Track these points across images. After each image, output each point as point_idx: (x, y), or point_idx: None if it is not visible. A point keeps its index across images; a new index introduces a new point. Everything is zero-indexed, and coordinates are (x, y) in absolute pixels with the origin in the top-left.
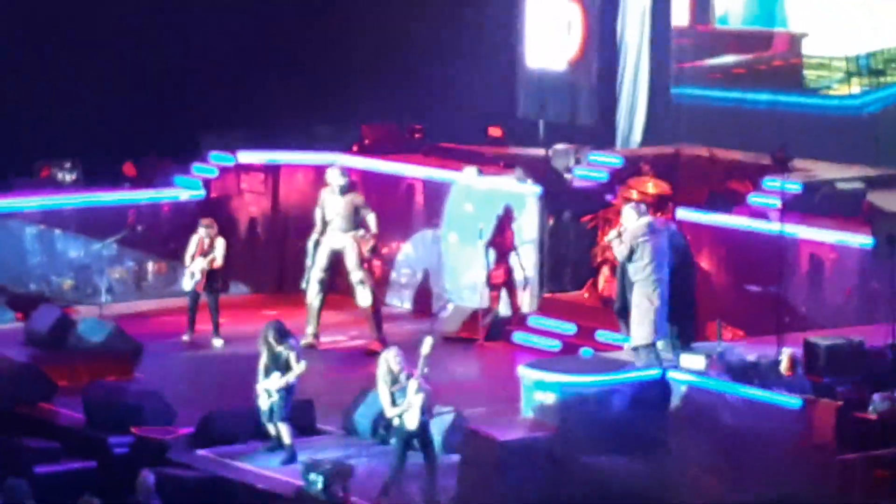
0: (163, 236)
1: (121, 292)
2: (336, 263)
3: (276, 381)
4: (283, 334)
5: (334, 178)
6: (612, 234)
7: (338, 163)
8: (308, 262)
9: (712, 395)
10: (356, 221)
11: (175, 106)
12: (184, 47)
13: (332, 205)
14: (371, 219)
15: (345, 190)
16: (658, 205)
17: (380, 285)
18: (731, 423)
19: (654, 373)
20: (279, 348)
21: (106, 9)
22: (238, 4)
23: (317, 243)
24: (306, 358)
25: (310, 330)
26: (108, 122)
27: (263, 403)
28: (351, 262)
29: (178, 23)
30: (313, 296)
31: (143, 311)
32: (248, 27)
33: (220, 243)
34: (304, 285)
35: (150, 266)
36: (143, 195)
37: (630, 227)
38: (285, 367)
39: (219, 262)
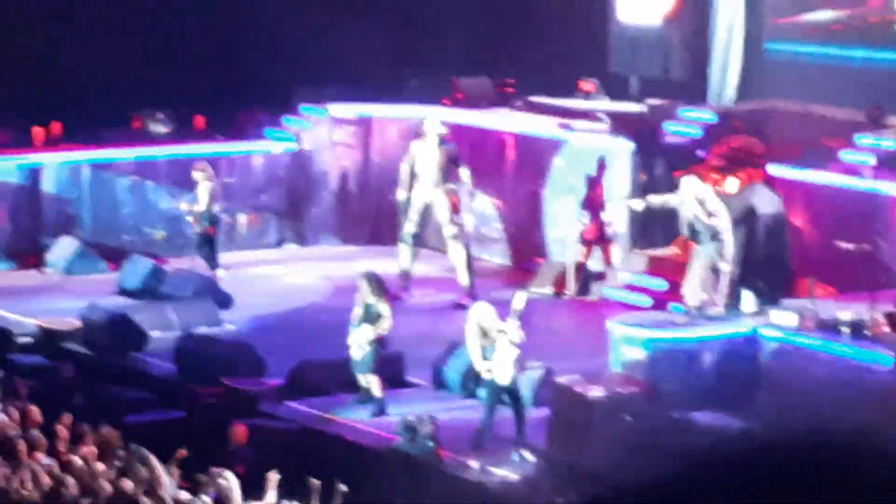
0: (255, 189)
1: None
2: (428, 216)
3: (367, 332)
4: (378, 287)
5: (433, 128)
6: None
7: (430, 115)
8: (402, 216)
9: (803, 353)
10: (448, 174)
11: (267, 58)
12: (277, 2)
13: (426, 156)
14: (466, 173)
15: (442, 141)
16: (750, 161)
17: (472, 239)
18: (822, 380)
19: (744, 329)
20: (371, 300)
21: None
22: None
23: (408, 197)
24: (397, 311)
25: (402, 282)
26: (200, 75)
27: (355, 355)
28: (443, 215)
29: None
30: (405, 248)
31: (235, 263)
32: None
33: (204, 188)
34: (402, 238)
35: (242, 218)
36: (236, 147)
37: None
38: (376, 319)
39: (201, 207)
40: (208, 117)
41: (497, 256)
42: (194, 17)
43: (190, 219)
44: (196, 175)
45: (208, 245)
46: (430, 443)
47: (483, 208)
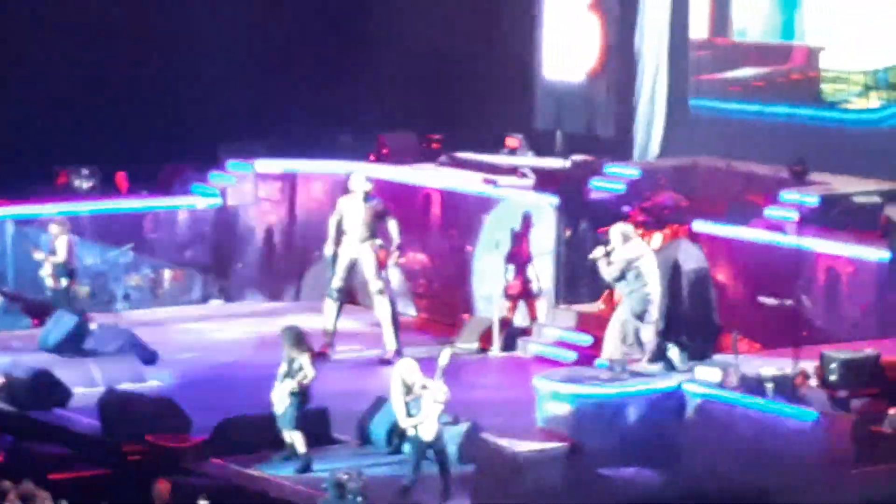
0: (180, 244)
1: (137, 299)
2: (354, 272)
3: (289, 386)
4: (298, 341)
5: (359, 185)
6: (599, 251)
7: (356, 171)
8: (329, 272)
9: (727, 408)
10: (373, 230)
11: (193, 114)
12: (203, 56)
13: (353, 212)
14: (394, 227)
15: (368, 197)
16: (674, 217)
17: (397, 295)
18: (745, 435)
19: (670, 384)
20: (293, 354)
21: (126, 17)
22: (258, 14)
23: (335, 253)
24: (322, 366)
25: (326, 338)
26: (126, 130)
27: (278, 410)
28: (370, 271)
29: (199, 32)
30: (331, 304)
31: (159, 319)
32: (267, 36)
33: (62, 241)
34: (328, 294)
35: (167, 273)
36: (161, 203)
37: (620, 249)
38: (298, 374)
39: (58, 259)
40: (133, 172)
41: (423, 312)
42: (121, 72)
43: (45, 272)
44: (53, 228)
45: (65, 298)
46: (358, 499)
47: (410, 264)
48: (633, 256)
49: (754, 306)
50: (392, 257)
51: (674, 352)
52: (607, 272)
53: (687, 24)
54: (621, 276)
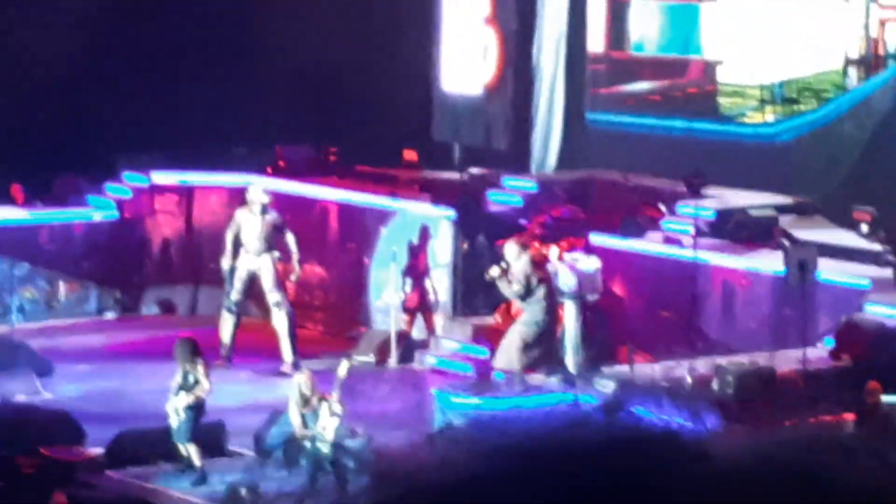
0: (75, 256)
1: (32, 312)
2: (251, 285)
3: (184, 399)
4: (193, 353)
5: (257, 197)
6: (495, 271)
7: (254, 183)
8: (227, 285)
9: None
10: (270, 242)
11: (89, 125)
12: (99, 67)
13: (251, 225)
14: (291, 240)
15: (266, 209)
16: (571, 230)
17: (294, 308)
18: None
19: (564, 396)
20: (188, 367)
21: (22, 28)
22: (152, 24)
23: (232, 266)
24: (218, 379)
25: (223, 351)
26: (21, 141)
27: (173, 423)
28: (267, 283)
29: (94, 42)
30: (227, 316)
31: (54, 331)
32: (163, 46)
33: None
34: (225, 306)
35: (62, 286)
36: (56, 215)
37: (516, 265)
38: (193, 386)
39: None
40: (28, 184)
41: (320, 325)
42: (16, 83)
43: None
44: None
45: None
46: None
47: (307, 276)
48: (530, 270)
49: (651, 319)
50: (292, 272)
51: (570, 363)
52: (510, 291)
53: (584, 37)
54: (526, 292)
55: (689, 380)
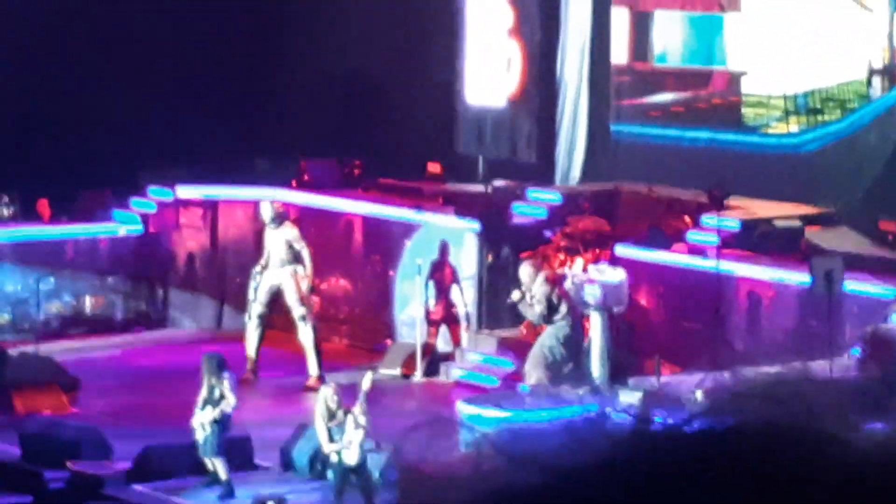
0: (101, 271)
1: (58, 326)
2: (276, 298)
3: (210, 413)
4: (219, 368)
5: (264, 212)
6: (516, 295)
7: (275, 198)
8: (250, 295)
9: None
10: (292, 256)
11: (115, 140)
12: (124, 82)
13: (269, 239)
14: (305, 255)
15: (277, 224)
16: (596, 242)
17: (320, 321)
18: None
19: (592, 408)
20: (214, 382)
21: (47, 44)
22: (179, 38)
23: (257, 278)
24: (245, 393)
25: (249, 365)
26: (47, 156)
27: (199, 437)
28: (291, 297)
29: (119, 58)
30: (252, 330)
31: (80, 346)
32: (189, 62)
33: None
34: (246, 319)
35: (88, 300)
36: (82, 229)
37: (535, 287)
38: (219, 401)
39: None
40: (54, 199)
41: (346, 338)
42: (42, 99)
43: None
44: None
45: None
46: None
47: (331, 289)
48: (549, 289)
49: (677, 330)
50: (303, 286)
51: (596, 375)
52: (533, 314)
53: (608, 49)
54: (548, 312)
55: (698, 396)
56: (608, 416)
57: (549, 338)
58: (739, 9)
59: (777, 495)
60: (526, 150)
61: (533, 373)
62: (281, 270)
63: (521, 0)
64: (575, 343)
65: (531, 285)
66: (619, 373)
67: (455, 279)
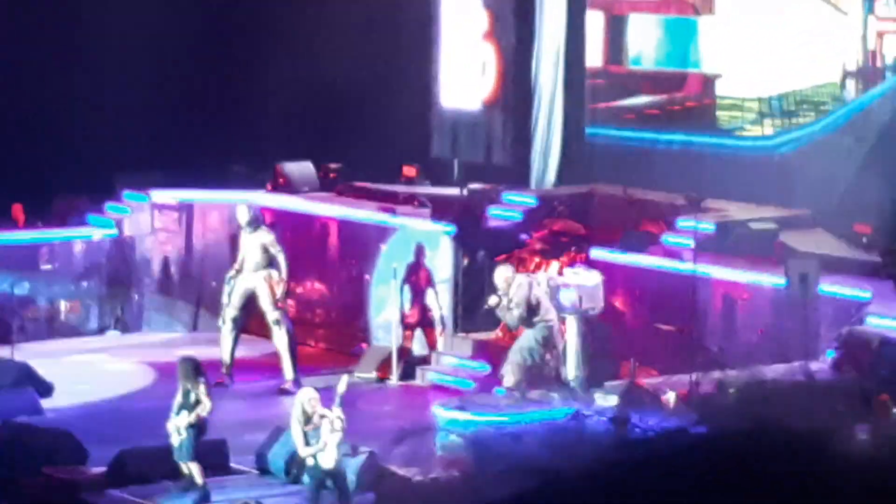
0: (75, 275)
1: (33, 331)
2: (250, 302)
3: (184, 418)
4: (195, 372)
5: (241, 216)
6: (493, 300)
7: (250, 201)
8: (224, 299)
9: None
10: (267, 260)
11: (89, 145)
12: (99, 86)
13: (244, 243)
14: (281, 259)
15: (252, 228)
16: (571, 245)
17: (295, 325)
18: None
19: (568, 412)
20: (190, 386)
21: (20, 49)
22: (151, 43)
23: (231, 282)
24: (220, 397)
25: (224, 369)
26: (21, 161)
27: (175, 442)
28: (265, 301)
29: (92, 61)
30: (226, 334)
31: (55, 350)
32: (161, 66)
33: None
34: (220, 323)
35: (63, 305)
36: (56, 234)
37: (512, 292)
38: (194, 405)
39: None
40: (28, 204)
41: (321, 341)
42: (14, 103)
43: None
44: None
45: None
46: None
47: (306, 293)
48: (527, 293)
49: (652, 333)
50: (277, 290)
51: (572, 378)
52: (511, 318)
53: (583, 52)
54: (528, 317)
55: (671, 398)
56: (585, 419)
57: (528, 340)
58: (713, 12)
59: (754, 497)
60: (501, 154)
61: (510, 376)
62: (255, 275)
63: (495, 4)
64: (553, 346)
65: (507, 289)
66: (595, 376)
67: (430, 282)
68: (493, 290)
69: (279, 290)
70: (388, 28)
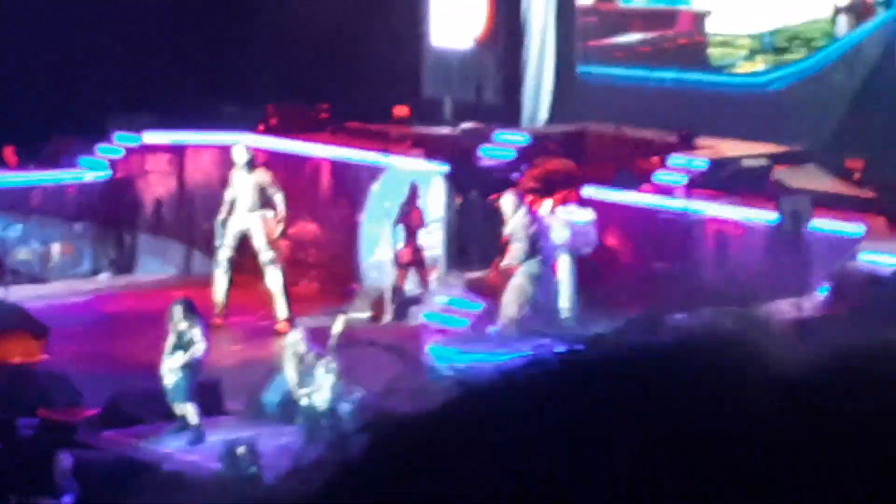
0: (68, 217)
1: (26, 273)
2: (244, 242)
3: (180, 358)
4: (188, 313)
5: (239, 155)
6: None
7: (244, 142)
8: (216, 242)
9: None
10: (263, 200)
11: (80, 87)
12: (90, 28)
13: (240, 183)
14: (279, 198)
15: (249, 168)
16: (564, 183)
17: (288, 265)
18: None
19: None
20: (183, 326)
21: None
22: None
23: (224, 223)
24: (214, 338)
25: (217, 310)
26: (12, 104)
27: (169, 383)
28: (259, 241)
29: (85, 4)
30: (220, 275)
31: (48, 292)
32: (154, 8)
33: None
34: (214, 264)
35: (56, 247)
36: (48, 175)
37: (517, 221)
38: (189, 346)
39: None
40: (20, 146)
41: (314, 281)
42: (2, 45)
43: None
44: None
45: None
46: (251, 468)
47: (300, 233)
48: (528, 222)
49: (646, 270)
50: (276, 230)
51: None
52: (516, 256)
53: None
54: (531, 249)
55: None
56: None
57: (521, 276)
58: None
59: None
60: (492, 93)
61: (506, 312)
62: (250, 215)
63: None
64: (546, 281)
65: (512, 218)
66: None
67: (423, 222)
68: (487, 226)
69: (278, 230)
70: None
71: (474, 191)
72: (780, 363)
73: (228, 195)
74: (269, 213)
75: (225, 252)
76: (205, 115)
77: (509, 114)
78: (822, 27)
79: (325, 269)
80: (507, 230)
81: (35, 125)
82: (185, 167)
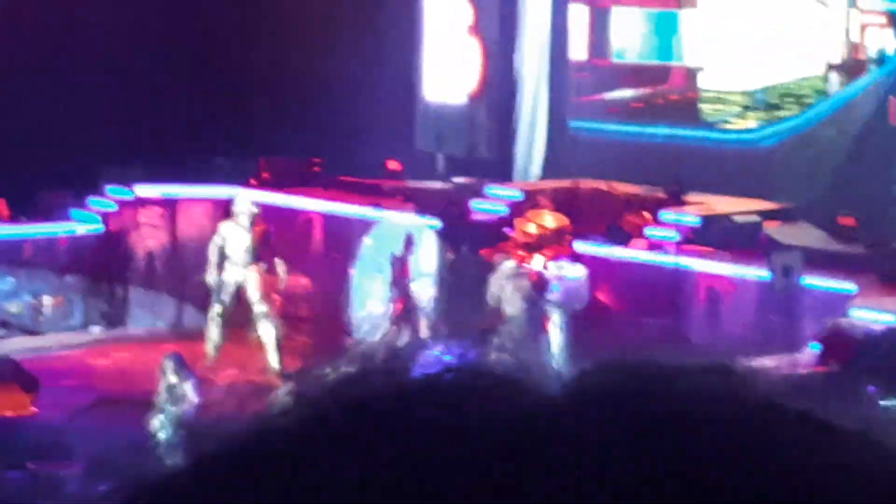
0: (60, 270)
1: (17, 326)
2: (238, 296)
3: (170, 414)
4: (179, 367)
5: (245, 208)
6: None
7: (240, 195)
8: (214, 297)
9: None
10: (256, 254)
11: (73, 140)
12: (81, 80)
13: (237, 237)
14: (279, 261)
15: (251, 220)
16: (556, 239)
17: (280, 318)
18: None
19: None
20: (174, 380)
21: (3, 43)
22: (137, 38)
23: (219, 279)
24: (204, 391)
25: (209, 363)
26: (4, 156)
27: (159, 437)
28: (254, 294)
29: (75, 57)
30: (214, 328)
31: (40, 346)
32: (144, 59)
33: None
34: (212, 318)
35: (47, 300)
36: (40, 228)
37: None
38: (180, 401)
39: None
40: (12, 199)
41: (305, 335)
42: None
43: None
44: None
45: None
46: None
47: (292, 287)
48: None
49: (636, 326)
50: (279, 283)
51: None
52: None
53: (567, 46)
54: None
55: None
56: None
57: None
58: (696, 5)
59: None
60: (485, 147)
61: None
62: (245, 269)
63: None
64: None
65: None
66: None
67: (415, 275)
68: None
69: (281, 283)
70: (373, 22)
71: (466, 245)
72: (731, 411)
73: (214, 248)
74: (264, 267)
75: (218, 307)
76: (197, 168)
77: (501, 168)
78: (814, 84)
79: (317, 323)
80: (496, 287)
81: (27, 178)
82: (177, 220)
